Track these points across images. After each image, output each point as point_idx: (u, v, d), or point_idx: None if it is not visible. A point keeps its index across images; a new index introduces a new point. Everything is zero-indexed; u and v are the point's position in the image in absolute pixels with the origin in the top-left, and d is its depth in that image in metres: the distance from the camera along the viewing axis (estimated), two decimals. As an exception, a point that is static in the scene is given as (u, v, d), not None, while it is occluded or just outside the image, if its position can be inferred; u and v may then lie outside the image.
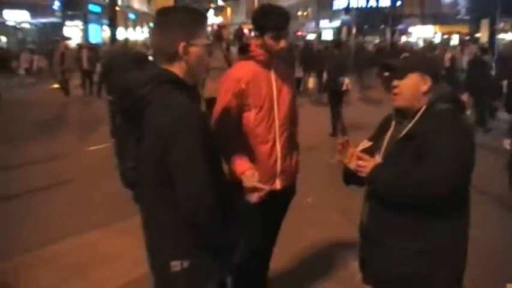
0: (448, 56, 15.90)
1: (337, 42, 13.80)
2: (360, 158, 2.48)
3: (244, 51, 3.28)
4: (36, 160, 8.72)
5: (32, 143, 10.16)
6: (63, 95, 17.88)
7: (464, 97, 11.11)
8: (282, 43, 3.14)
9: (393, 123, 2.59)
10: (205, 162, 2.06)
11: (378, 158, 2.51)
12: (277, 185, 3.29)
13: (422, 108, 2.46)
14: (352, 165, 2.49)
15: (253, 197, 2.76)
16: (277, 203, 3.36)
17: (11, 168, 8.17)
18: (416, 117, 2.45)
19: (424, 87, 2.46)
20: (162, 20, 2.29)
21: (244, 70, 3.20)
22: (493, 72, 12.94)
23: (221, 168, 2.41)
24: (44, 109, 15.06)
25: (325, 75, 12.07)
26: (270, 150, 3.22)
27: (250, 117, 3.17)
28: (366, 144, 2.55)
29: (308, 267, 4.76)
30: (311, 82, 13.68)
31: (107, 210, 6.12)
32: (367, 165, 2.45)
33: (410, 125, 2.45)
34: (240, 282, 3.34)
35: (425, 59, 2.77)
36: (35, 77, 23.30)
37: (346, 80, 10.90)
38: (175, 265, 2.18)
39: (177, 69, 2.22)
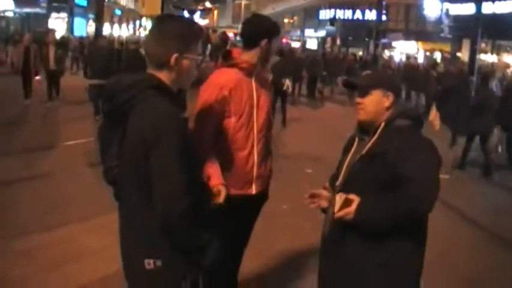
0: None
1: (280, 50, 15.59)
2: (337, 211, 2.44)
3: (227, 58, 3.35)
4: (11, 152, 8.58)
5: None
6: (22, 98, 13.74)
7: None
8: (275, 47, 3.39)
9: (356, 140, 2.69)
10: (183, 167, 2.11)
11: (351, 196, 2.44)
12: (253, 190, 3.37)
13: (382, 125, 2.57)
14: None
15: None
16: (251, 208, 3.46)
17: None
18: (376, 135, 2.56)
19: (387, 103, 2.59)
20: (160, 27, 2.33)
21: (226, 77, 3.26)
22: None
23: (198, 172, 2.48)
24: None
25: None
26: (247, 156, 3.31)
27: (230, 123, 3.24)
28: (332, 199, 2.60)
29: (279, 272, 4.85)
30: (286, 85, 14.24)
31: (86, 205, 6.12)
32: (348, 211, 2.40)
33: (370, 143, 2.55)
34: (212, 282, 3.41)
35: (387, 76, 2.97)
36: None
37: (287, 82, 13.12)
38: (149, 263, 2.22)
39: (165, 75, 2.27)
